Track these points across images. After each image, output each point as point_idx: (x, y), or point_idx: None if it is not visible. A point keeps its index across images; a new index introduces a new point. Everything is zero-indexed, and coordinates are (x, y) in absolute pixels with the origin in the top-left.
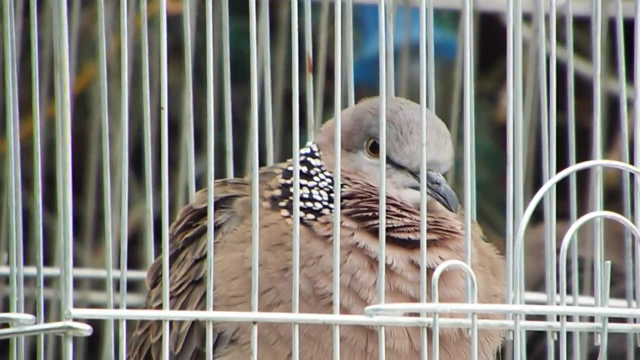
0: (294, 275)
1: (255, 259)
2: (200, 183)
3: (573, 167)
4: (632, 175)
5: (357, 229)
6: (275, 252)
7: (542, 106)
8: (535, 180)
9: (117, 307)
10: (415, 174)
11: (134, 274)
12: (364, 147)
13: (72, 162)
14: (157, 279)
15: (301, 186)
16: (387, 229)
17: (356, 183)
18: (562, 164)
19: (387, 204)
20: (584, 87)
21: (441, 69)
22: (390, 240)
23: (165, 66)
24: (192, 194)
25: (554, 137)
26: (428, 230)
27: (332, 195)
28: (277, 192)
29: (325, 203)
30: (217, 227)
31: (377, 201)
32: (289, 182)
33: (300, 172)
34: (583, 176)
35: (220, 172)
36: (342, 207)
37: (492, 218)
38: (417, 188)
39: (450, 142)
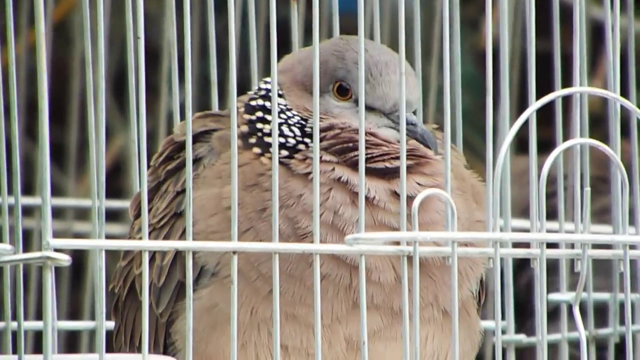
0: (273, 205)
1: (234, 190)
2: (183, 111)
3: (554, 94)
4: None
5: (337, 163)
6: (252, 192)
7: (527, 33)
8: (520, 108)
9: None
10: (388, 115)
11: (119, 204)
12: (330, 90)
13: (55, 90)
14: (140, 210)
15: (267, 122)
16: (366, 160)
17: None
18: (548, 91)
19: (365, 133)
20: (569, 14)
21: None
22: (370, 172)
23: None
24: (176, 122)
25: (534, 64)
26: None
27: (307, 130)
28: (245, 129)
29: (299, 138)
30: (198, 160)
31: (356, 131)
32: (253, 117)
33: (264, 107)
34: (568, 103)
35: (204, 101)
36: (320, 140)
37: (476, 145)
38: (392, 127)
39: (416, 81)
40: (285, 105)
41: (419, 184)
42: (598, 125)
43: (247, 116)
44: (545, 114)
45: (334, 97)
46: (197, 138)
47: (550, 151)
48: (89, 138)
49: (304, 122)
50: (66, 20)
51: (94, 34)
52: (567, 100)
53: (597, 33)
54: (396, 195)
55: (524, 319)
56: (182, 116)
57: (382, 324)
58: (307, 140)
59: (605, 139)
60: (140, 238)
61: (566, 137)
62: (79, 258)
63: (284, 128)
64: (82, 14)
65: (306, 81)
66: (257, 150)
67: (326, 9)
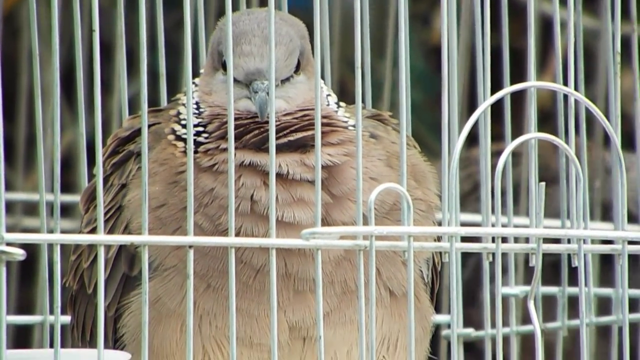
0: (229, 197)
1: (190, 183)
2: (133, 105)
3: (507, 89)
4: (565, 97)
5: (237, 148)
6: (173, 190)
7: (476, 28)
8: (470, 104)
9: (51, 231)
10: (247, 85)
11: (67, 198)
12: (220, 66)
13: (3, 84)
14: (90, 204)
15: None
16: (266, 140)
17: (210, 106)
18: (496, 86)
19: (246, 118)
20: (517, 9)
21: None
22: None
23: None
24: (125, 117)
25: (489, 59)
26: (303, 128)
27: (199, 120)
28: (175, 125)
29: (195, 129)
30: (138, 155)
31: (236, 118)
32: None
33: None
34: (517, 99)
35: (153, 95)
36: (211, 132)
37: (426, 140)
38: (248, 98)
39: (283, 48)
40: (197, 99)
41: (329, 154)
42: (546, 121)
43: (172, 111)
44: (493, 110)
45: (222, 71)
46: (137, 134)
47: (500, 146)
48: (37, 133)
49: (197, 111)
50: (13, 12)
51: (42, 27)
52: (514, 96)
53: (545, 29)
54: (308, 166)
55: (465, 312)
56: (131, 110)
57: (328, 308)
58: (200, 129)
59: (553, 134)
60: (89, 232)
61: (515, 132)
62: (28, 253)
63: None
64: (29, 6)
65: (212, 60)
66: (180, 145)
67: (276, 3)
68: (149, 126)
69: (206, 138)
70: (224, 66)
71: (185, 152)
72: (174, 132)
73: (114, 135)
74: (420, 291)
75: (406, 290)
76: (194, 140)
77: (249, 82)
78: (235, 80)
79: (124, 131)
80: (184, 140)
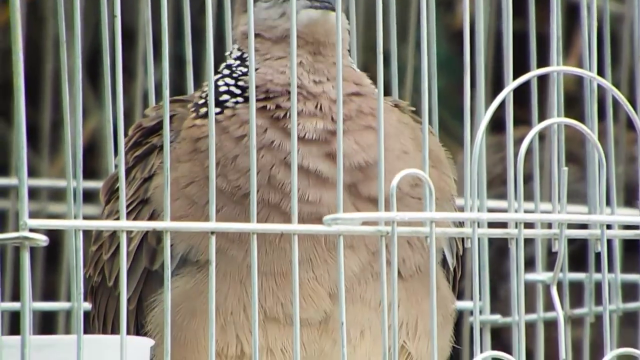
0: (251, 186)
1: (212, 165)
2: (158, 91)
3: (532, 73)
4: (590, 81)
5: (269, 127)
6: (194, 160)
7: (502, 13)
8: (495, 88)
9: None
10: None
11: (93, 184)
12: None
13: (28, 71)
14: (110, 196)
15: (223, 84)
16: (298, 117)
17: (266, 61)
18: (523, 71)
19: (287, 92)
20: None
21: None
22: (303, 136)
23: None
24: (151, 103)
25: (511, 43)
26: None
27: (239, 82)
28: (199, 100)
29: (226, 88)
30: (161, 148)
31: (287, 92)
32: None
33: (226, 67)
34: (543, 83)
35: (179, 82)
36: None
37: (450, 127)
38: (310, 7)
39: None
40: (240, 57)
41: (356, 142)
42: (572, 105)
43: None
44: (520, 95)
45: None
46: (161, 124)
47: (527, 131)
48: (64, 118)
49: (242, 70)
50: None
51: (68, 13)
52: (541, 80)
53: (571, 13)
54: (331, 157)
55: (493, 299)
56: (157, 96)
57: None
58: (234, 90)
59: (579, 118)
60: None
61: (541, 117)
62: (53, 239)
63: (221, 81)
64: None
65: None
66: (201, 110)
67: None
68: (175, 115)
69: (240, 102)
70: None
71: (204, 116)
72: (197, 105)
73: (137, 125)
74: (439, 277)
75: (414, 272)
76: (220, 100)
77: None
78: None
79: (149, 121)
80: (204, 107)
